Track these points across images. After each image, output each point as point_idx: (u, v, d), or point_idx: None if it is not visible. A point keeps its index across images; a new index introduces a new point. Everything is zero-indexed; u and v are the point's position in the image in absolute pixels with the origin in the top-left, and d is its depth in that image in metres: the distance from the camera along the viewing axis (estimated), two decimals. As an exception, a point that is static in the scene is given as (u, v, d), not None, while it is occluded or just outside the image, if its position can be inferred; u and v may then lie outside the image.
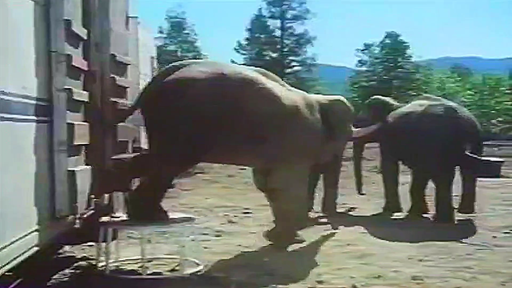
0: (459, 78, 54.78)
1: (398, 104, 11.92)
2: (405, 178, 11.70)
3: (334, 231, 9.20)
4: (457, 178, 10.62)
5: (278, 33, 43.81)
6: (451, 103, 11.20)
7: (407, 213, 10.98)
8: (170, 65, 7.20)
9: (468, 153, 10.15)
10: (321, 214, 10.48)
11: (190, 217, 7.13)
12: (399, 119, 10.85)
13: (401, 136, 10.59)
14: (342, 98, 9.16)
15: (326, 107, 8.37)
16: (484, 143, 12.05)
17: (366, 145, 12.49)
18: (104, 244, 6.56)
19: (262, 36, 43.71)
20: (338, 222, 9.78)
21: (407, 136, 10.37)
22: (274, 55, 43.88)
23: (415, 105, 11.06)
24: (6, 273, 4.32)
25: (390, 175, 11.45)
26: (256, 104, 7.12)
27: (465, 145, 10.23)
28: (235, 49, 43.68)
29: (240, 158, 7.68)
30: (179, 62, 7.38)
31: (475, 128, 10.71)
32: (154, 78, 7.41)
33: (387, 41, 48.08)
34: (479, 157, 10.43)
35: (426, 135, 10.06)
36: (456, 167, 10.48)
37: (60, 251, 7.30)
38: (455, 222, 9.99)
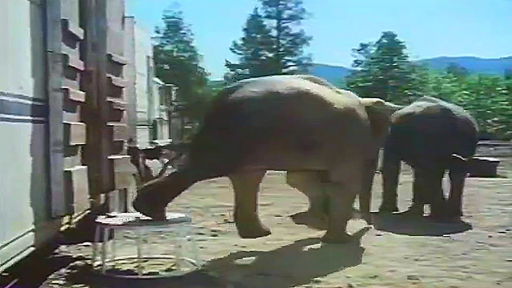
0: (455, 78, 54.82)
1: (399, 106, 11.99)
2: (402, 178, 11.74)
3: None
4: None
5: (274, 33, 43.82)
6: (447, 104, 11.43)
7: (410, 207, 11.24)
8: (226, 88, 8.01)
9: (462, 154, 10.28)
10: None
11: (186, 217, 7.13)
12: (399, 120, 10.92)
13: (400, 136, 10.67)
14: (381, 100, 9.47)
15: (368, 108, 8.68)
16: (480, 143, 12.16)
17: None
18: (100, 244, 6.56)
19: (258, 36, 43.70)
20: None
21: (405, 136, 10.49)
22: (270, 55, 43.90)
23: (414, 106, 11.32)
24: (2, 273, 4.31)
25: (390, 176, 11.48)
26: (311, 114, 7.57)
27: (460, 146, 10.38)
28: (231, 49, 43.68)
29: (299, 164, 7.90)
30: (235, 84, 8.03)
31: (471, 129, 10.90)
32: (213, 101, 8.21)
33: (384, 41, 48.09)
34: (475, 158, 10.56)
35: (422, 135, 10.21)
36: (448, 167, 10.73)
37: (56, 251, 7.29)
38: (452, 220, 10.04)
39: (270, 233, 8.31)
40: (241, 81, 8.12)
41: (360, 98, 8.95)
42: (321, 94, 7.86)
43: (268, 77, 8.39)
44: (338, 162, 8.00)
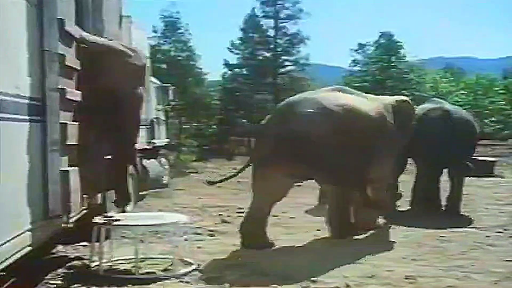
0: (452, 78, 54.78)
1: None
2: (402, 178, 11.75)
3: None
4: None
5: (271, 32, 43.67)
6: (448, 106, 11.91)
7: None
8: (273, 114, 8.66)
9: (462, 155, 10.63)
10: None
11: (184, 217, 7.12)
12: None
13: None
14: (406, 98, 10.09)
15: (394, 107, 9.36)
16: (478, 143, 12.35)
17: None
18: (97, 243, 6.56)
19: (255, 35, 43.55)
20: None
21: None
22: (267, 54, 43.66)
23: (419, 109, 11.55)
24: (0, 273, 4.31)
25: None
26: (364, 122, 8.50)
27: (459, 146, 10.79)
28: (228, 48, 43.51)
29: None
30: (280, 107, 8.79)
31: (471, 130, 11.40)
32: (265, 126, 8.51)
33: (382, 41, 48.02)
34: (473, 158, 10.78)
35: (422, 136, 10.35)
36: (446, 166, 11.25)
37: (54, 251, 7.29)
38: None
39: (273, 246, 8.21)
40: (290, 102, 8.63)
41: (383, 98, 9.69)
42: (361, 103, 8.80)
43: (315, 94, 8.93)
44: (376, 163, 8.83)
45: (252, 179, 8.32)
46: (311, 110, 8.17)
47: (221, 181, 8.61)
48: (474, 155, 12.31)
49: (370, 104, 9.01)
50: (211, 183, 8.57)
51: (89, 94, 5.89)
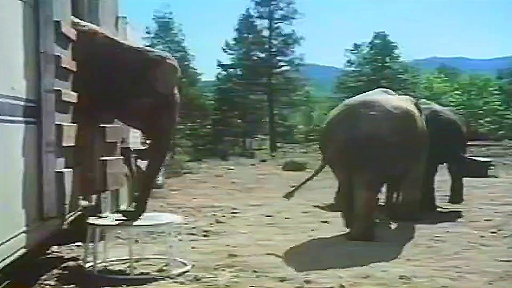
0: (446, 78, 54.93)
1: None
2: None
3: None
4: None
5: (266, 33, 43.77)
6: (437, 107, 12.41)
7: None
8: (336, 117, 8.92)
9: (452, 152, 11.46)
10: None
11: (178, 217, 7.13)
12: None
13: None
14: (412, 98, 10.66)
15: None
16: (472, 143, 12.62)
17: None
18: (91, 244, 6.56)
19: (250, 36, 43.65)
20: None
21: None
22: (262, 55, 43.82)
23: None
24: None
25: None
26: (414, 125, 9.11)
27: (449, 146, 11.36)
28: (222, 49, 43.59)
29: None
30: (343, 110, 8.97)
31: (460, 129, 12.05)
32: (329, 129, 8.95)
33: (376, 41, 48.12)
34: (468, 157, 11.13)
35: None
36: (439, 165, 11.94)
37: (48, 251, 7.28)
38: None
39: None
40: (353, 105, 8.98)
41: (402, 98, 10.12)
42: (409, 105, 9.42)
43: (374, 96, 9.37)
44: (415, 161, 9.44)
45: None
46: (378, 113, 8.56)
47: (298, 188, 8.77)
48: (469, 155, 12.57)
49: (410, 105, 9.52)
50: (289, 195, 8.68)
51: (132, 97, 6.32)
